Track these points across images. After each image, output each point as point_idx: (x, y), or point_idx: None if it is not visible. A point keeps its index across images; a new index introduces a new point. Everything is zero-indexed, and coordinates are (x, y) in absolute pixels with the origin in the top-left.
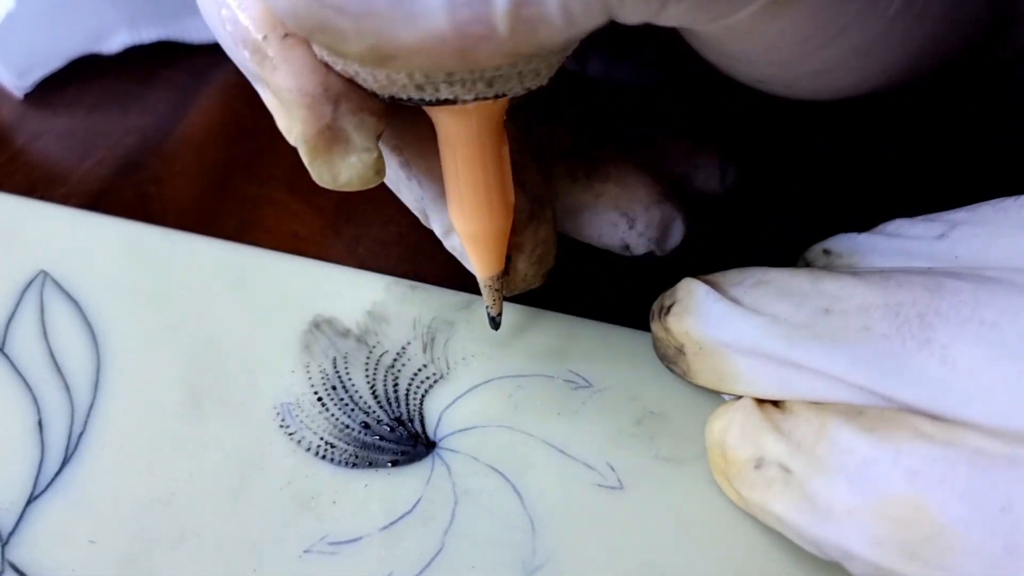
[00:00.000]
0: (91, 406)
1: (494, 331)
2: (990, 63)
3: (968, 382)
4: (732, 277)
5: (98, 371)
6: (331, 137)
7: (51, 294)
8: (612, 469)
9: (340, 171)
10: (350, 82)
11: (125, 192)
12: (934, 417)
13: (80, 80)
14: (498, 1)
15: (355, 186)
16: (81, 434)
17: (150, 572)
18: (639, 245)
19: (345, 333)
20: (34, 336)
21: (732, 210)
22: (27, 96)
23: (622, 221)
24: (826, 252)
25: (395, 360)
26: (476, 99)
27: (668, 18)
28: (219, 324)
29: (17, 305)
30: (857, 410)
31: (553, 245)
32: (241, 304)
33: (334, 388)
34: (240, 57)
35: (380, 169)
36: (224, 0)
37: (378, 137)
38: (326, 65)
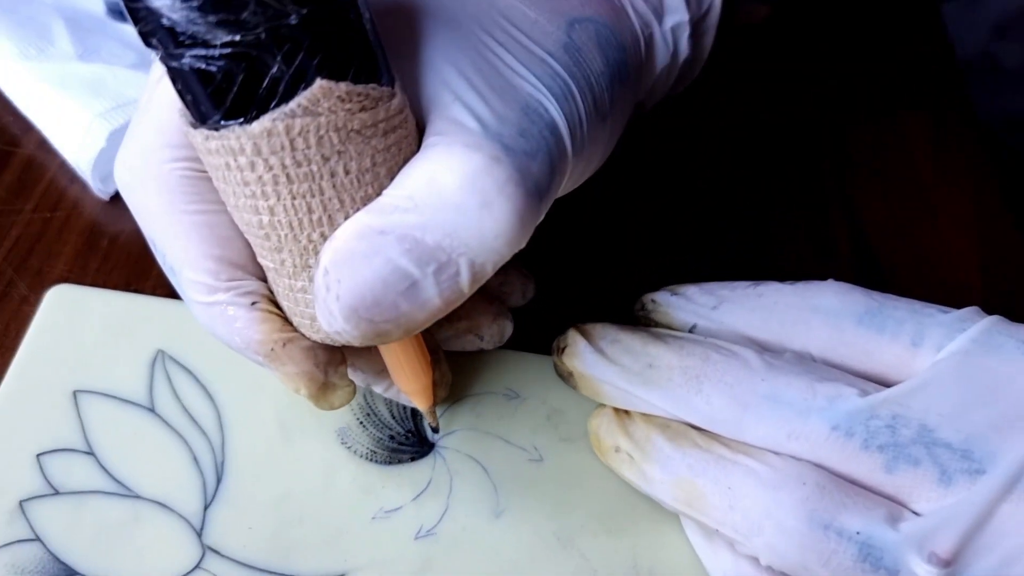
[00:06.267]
0: (223, 443)
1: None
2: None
3: (719, 415)
4: (600, 332)
5: (220, 418)
6: (324, 387)
7: (171, 367)
8: (536, 449)
9: (334, 402)
10: (327, 350)
11: None
12: (703, 432)
13: None
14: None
15: (343, 406)
16: (223, 462)
17: (288, 542)
18: (487, 346)
19: None
20: (171, 399)
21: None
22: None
23: (475, 339)
24: (653, 301)
25: None
26: None
27: None
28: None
29: (152, 377)
30: (666, 424)
31: (449, 372)
32: None
33: (368, 415)
34: (251, 357)
35: (354, 390)
36: (235, 329)
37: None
38: (313, 347)
